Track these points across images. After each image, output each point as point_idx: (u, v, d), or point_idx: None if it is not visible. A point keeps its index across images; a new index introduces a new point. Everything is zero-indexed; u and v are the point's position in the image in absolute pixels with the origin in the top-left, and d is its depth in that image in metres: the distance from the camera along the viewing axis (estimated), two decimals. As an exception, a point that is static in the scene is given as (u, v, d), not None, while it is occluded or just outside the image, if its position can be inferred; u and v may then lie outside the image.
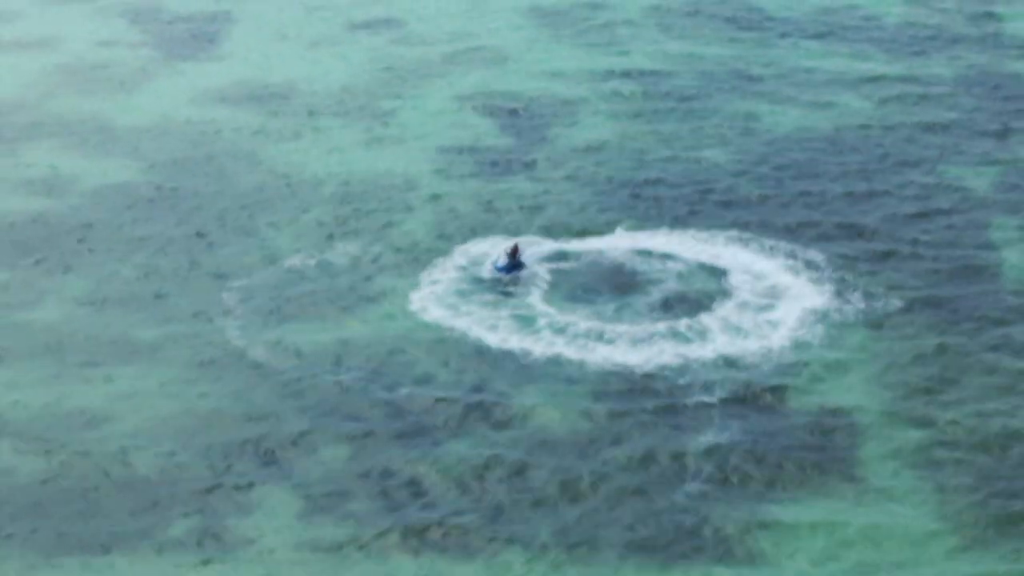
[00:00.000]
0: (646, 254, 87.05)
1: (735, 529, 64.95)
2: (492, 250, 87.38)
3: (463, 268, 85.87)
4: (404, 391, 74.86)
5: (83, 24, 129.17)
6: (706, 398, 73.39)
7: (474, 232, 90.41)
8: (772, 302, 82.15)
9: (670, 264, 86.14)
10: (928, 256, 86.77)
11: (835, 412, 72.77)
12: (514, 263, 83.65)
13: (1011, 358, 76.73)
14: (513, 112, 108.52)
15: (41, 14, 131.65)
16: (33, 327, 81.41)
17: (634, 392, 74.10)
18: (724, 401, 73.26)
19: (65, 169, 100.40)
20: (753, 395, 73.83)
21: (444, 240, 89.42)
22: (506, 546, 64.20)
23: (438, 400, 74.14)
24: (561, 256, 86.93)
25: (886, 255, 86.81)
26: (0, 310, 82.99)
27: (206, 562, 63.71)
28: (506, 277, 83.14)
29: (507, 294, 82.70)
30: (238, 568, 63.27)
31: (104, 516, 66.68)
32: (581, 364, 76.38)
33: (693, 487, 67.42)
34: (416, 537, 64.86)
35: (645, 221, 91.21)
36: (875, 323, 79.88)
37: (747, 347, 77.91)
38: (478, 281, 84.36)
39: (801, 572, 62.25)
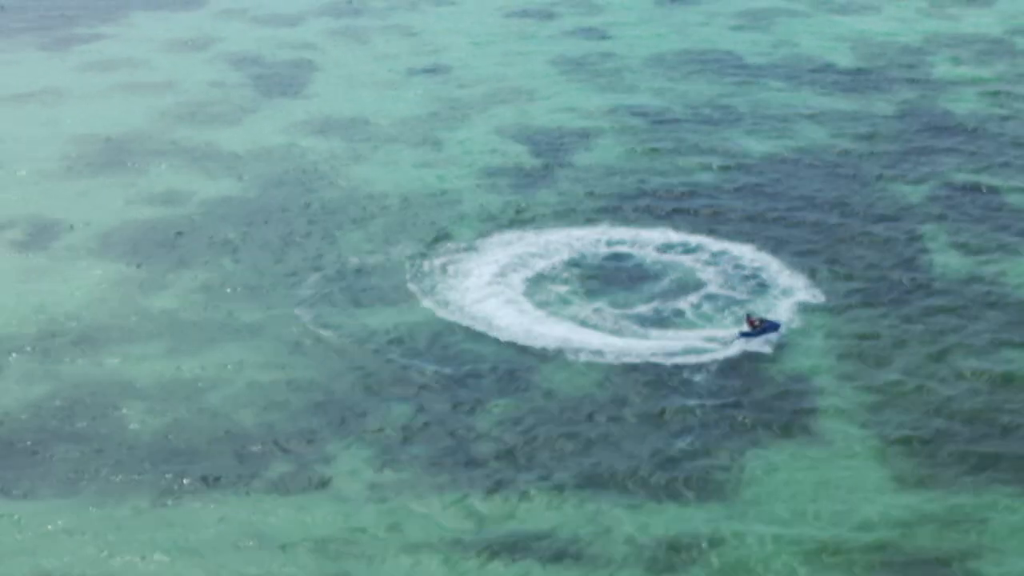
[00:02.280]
0: (645, 251, 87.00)
1: (715, 472, 65.45)
2: (523, 245, 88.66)
3: (500, 265, 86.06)
4: (448, 365, 75.18)
5: (196, 70, 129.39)
6: (695, 370, 73.53)
7: (509, 234, 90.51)
8: (748, 289, 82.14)
9: (666, 259, 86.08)
10: (874, 253, 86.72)
11: (799, 379, 72.99)
12: (755, 331, 77.34)
13: (941, 335, 76.80)
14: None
15: (163, 62, 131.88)
16: (156, 311, 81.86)
17: (635, 364, 74.22)
18: (710, 371, 73.37)
19: (182, 185, 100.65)
20: (734, 366, 73.86)
21: (485, 240, 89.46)
22: (533, 483, 64.92)
23: (476, 371, 74.44)
24: (580, 257, 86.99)
25: (841, 252, 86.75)
26: (130, 297, 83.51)
27: (294, 499, 64.44)
28: (751, 340, 76.55)
29: (535, 288, 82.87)
30: (319, 504, 63.91)
31: (214, 462, 67.29)
32: (592, 342, 76.51)
33: (681, 440, 67.73)
34: (462, 479, 65.40)
35: (644, 225, 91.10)
36: (832, 307, 79.78)
37: (728, 325, 78.01)
38: (512, 274, 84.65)
39: (767, 506, 62.74)
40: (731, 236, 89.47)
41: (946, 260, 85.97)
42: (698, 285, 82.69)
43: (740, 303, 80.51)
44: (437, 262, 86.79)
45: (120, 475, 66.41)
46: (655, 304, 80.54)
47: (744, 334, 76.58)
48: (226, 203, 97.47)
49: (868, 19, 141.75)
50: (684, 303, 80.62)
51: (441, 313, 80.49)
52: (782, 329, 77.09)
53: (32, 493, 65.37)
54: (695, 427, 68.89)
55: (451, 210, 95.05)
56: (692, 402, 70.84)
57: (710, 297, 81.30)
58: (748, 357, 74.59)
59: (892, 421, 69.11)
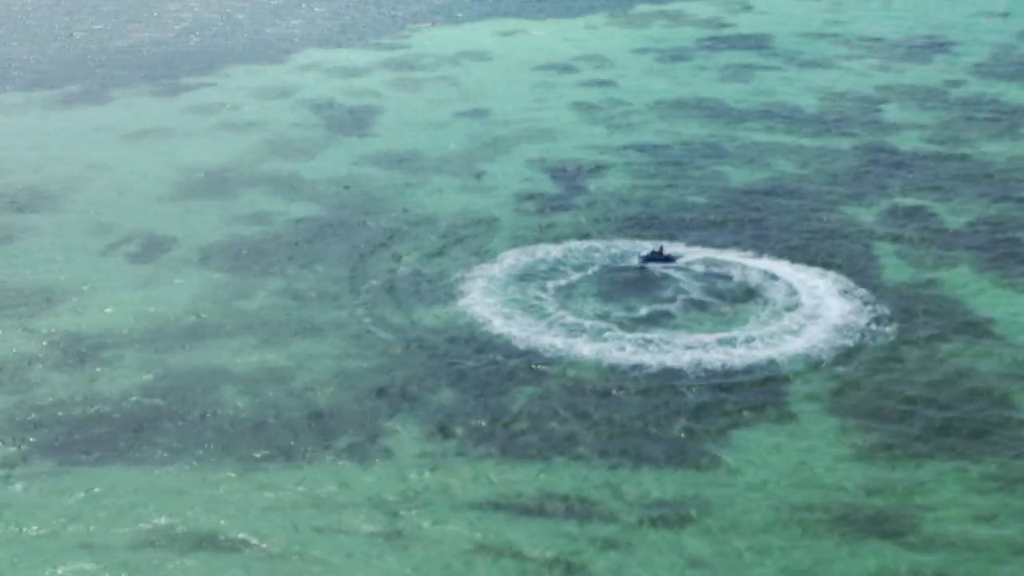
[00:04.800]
0: (649, 263, 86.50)
1: (706, 447, 65.26)
2: (549, 257, 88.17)
3: (528, 273, 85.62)
4: (485, 357, 74.89)
5: (281, 112, 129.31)
6: (691, 365, 73.11)
7: (537, 248, 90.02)
8: (728, 294, 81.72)
9: (666, 270, 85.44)
10: (836, 261, 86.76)
11: (775, 371, 72.59)
12: (655, 257, 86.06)
13: (892, 334, 76.44)
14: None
15: (253, 105, 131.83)
16: (247, 312, 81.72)
17: (640, 359, 73.98)
18: (703, 367, 72.92)
19: (268, 208, 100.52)
20: (723, 363, 73.38)
21: (517, 253, 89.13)
22: (556, 454, 64.86)
23: (508, 363, 74.12)
24: (597, 268, 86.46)
25: (808, 261, 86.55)
26: (225, 301, 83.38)
27: (360, 465, 64.34)
28: (642, 263, 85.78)
29: (559, 293, 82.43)
30: (380, 470, 63.86)
31: (293, 436, 67.19)
32: (605, 339, 76.13)
33: (678, 421, 67.48)
34: (498, 450, 65.34)
35: (649, 240, 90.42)
36: (805, 309, 79.31)
37: (713, 326, 77.63)
38: (539, 280, 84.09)
39: (748, 475, 62.60)
40: (718, 246, 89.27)
41: (895, 270, 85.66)
42: (693, 291, 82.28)
43: (730, 304, 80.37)
44: (476, 271, 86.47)
45: (216, 446, 66.39)
46: (655, 307, 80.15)
47: (644, 257, 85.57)
48: (304, 223, 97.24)
49: (831, 72, 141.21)
50: (681, 306, 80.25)
51: (479, 314, 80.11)
52: (678, 262, 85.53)
53: (143, 461, 65.36)
54: (690, 411, 68.50)
55: (489, 229, 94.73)
56: (688, 392, 70.47)
57: (703, 301, 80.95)
58: (738, 356, 74.06)
59: (851, 405, 68.84)
